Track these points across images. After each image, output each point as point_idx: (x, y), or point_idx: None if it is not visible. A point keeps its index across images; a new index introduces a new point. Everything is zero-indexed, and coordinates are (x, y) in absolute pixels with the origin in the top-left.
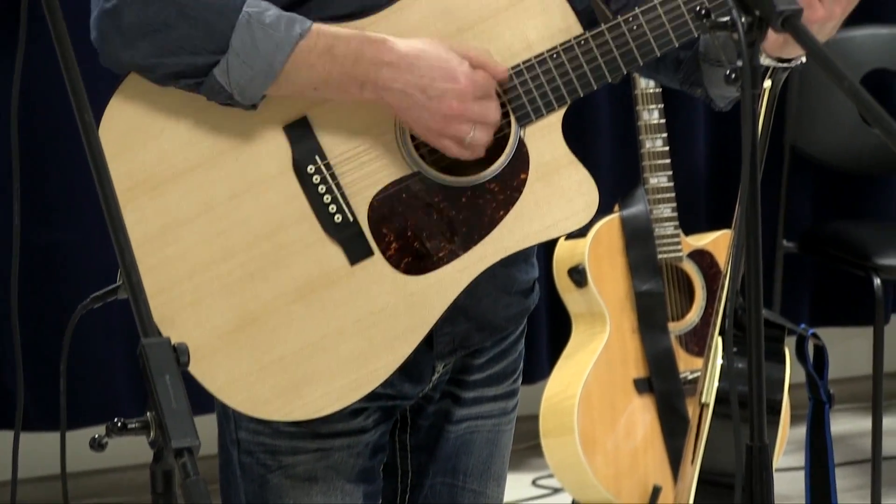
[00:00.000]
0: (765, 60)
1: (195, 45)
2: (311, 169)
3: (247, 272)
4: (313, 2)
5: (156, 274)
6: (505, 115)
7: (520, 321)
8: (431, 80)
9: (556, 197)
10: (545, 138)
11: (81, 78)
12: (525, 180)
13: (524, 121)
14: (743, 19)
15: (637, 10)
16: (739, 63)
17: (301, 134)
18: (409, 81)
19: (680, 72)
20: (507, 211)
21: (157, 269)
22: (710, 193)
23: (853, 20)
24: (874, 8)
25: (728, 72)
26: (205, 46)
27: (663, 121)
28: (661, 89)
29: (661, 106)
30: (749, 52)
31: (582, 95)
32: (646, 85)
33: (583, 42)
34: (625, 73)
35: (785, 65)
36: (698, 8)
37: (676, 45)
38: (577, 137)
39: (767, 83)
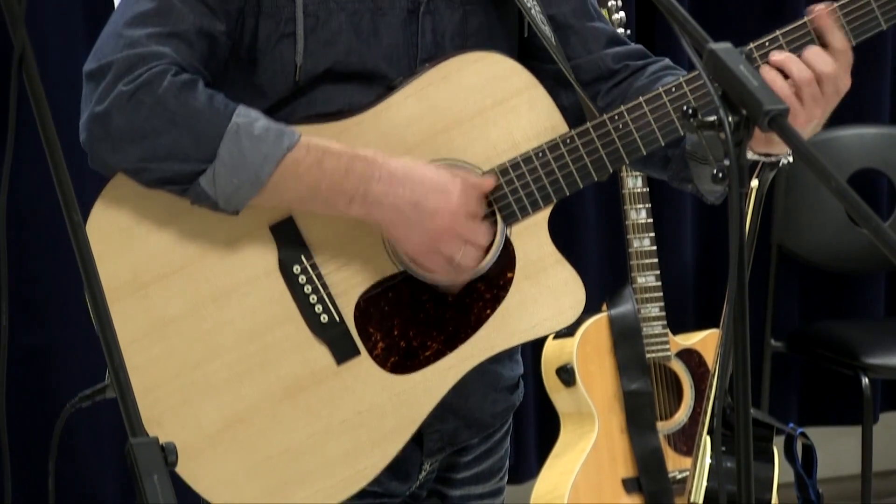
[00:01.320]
0: (751, 156)
1: (183, 152)
2: (297, 269)
3: (234, 372)
4: (301, 100)
5: (143, 374)
6: (491, 213)
7: (506, 417)
8: (424, 195)
9: (543, 296)
10: (531, 237)
11: (70, 177)
12: (512, 279)
13: (510, 220)
14: (730, 118)
15: (622, 108)
16: (726, 162)
17: (287, 234)
18: (400, 196)
19: (669, 169)
20: (493, 310)
21: (143, 370)
22: (698, 293)
23: (839, 120)
24: (861, 107)
25: (715, 171)
26: (192, 154)
27: (651, 220)
28: (648, 189)
29: (648, 205)
30: (736, 152)
31: (568, 194)
32: (633, 185)
33: (568, 141)
34: (611, 171)
35: (771, 159)
36: (685, 108)
37: (663, 144)
38: (565, 236)
39: (755, 182)
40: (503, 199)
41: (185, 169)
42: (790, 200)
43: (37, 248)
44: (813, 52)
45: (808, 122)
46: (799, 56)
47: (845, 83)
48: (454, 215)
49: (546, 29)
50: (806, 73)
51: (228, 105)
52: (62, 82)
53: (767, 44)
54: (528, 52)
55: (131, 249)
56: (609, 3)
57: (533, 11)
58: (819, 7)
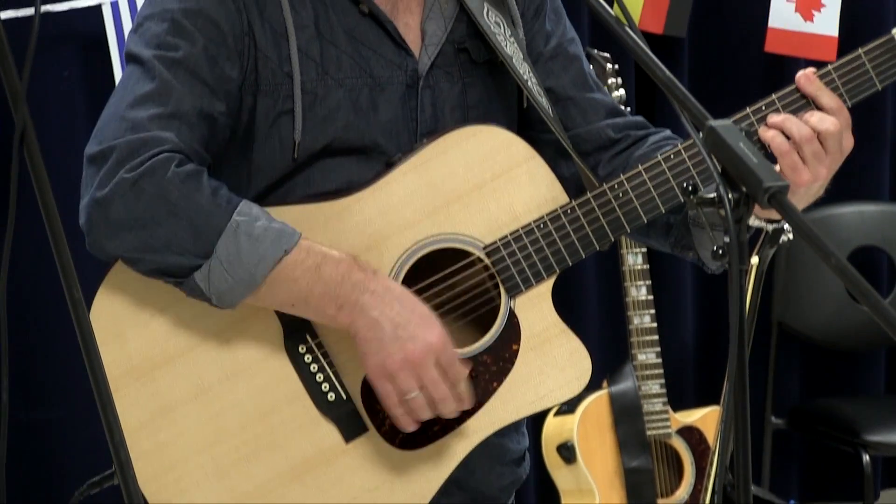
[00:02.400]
0: (754, 221)
1: (180, 245)
2: (302, 348)
3: (242, 454)
4: (299, 177)
5: (150, 459)
6: (495, 286)
7: (511, 491)
8: (408, 321)
9: (549, 367)
10: (535, 308)
11: (70, 253)
12: (517, 351)
13: (514, 291)
14: (730, 195)
15: (622, 177)
16: (726, 239)
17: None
18: (386, 313)
19: (670, 236)
20: (500, 382)
21: (150, 455)
22: (699, 369)
23: (839, 197)
24: (860, 184)
25: (715, 247)
26: (189, 248)
27: (651, 297)
28: (648, 266)
29: (648, 282)
30: (736, 229)
31: (571, 264)
32: (633, 262)
33: (569, 211)
34: (613, 240)
35: (775, 226)
36: (685, 184)
37: (663, 211)
38: (565, 313)
39: (755, 259)
40: (506, 270)
41: (181, 262)
42: (790, 277)
43: (37, 324)
44: (811, 112)
45: (813, 180)
46: (797, 116)
47: (849, 141)
48: (428, 352)
49: (543, 101)
50: (805, 131)
51: (231, 201)
52: (63, 159)
53: (764, 108)
54: (528, 124)
55: (136, 335)
56: (609, 81)
57: (529, 83)
58: (806, 71)
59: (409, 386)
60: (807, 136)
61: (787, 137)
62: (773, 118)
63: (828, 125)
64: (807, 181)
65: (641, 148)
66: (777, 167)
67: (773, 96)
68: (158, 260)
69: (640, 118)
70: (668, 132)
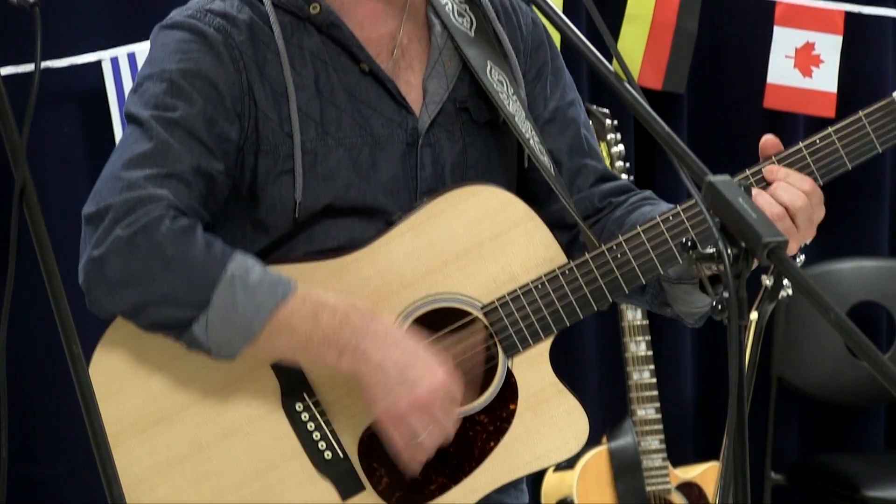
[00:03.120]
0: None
1: (177, 298)
2: (299, 406)
3: None
4: (301, 235)
5: None
6: (493, 345)
7: None
8: (412, 363)
9: (546, 427)
10: (533, 368)
11: (70, 309)
12: (514, 411)
13: (511, 351)
14: (729, 251)
15: (621, 238)
16: (726, 294)
17: (289, 371)
18: (389, 357)
19: (646, 293)
20: (497, 442)
21: None
22: (698, 425)
23: (839, 252)
24: (859, 240)
25: (714, 303)
26: (186, 301)
27: (650, 352)
28: (648, 321)
29: (647, 338)
30: (735, 284)
31: (568, 325)
32: (633, 317)
33: (567, 272)
34: (611, 301)
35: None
36: (684, 240)
37: (661, 272)
38: (564, 368)
39: (754, 315)
40: (504, 330)
41: (179, 315)
42: (790, 333)
43: (37, 380)
44: (781, 187)
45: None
46: (766, 190)
47: (819, 214)
48: (435, 392)
49: (545, 160)
50: (776, 209)
51: (225, 252)
52: (63, 216)
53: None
54: (529, 183)
55: (135, 391)
56: (608, 136)
57: (532, 143)
58: (769, 160)
59: (420, 426)
60: (778, 215)
61: None
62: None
63: (799, 201)
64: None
65: (619, 210)
66: None
67: (747, 171)
68: (156, 314)
69: (625, 182)
70: (647, 193)
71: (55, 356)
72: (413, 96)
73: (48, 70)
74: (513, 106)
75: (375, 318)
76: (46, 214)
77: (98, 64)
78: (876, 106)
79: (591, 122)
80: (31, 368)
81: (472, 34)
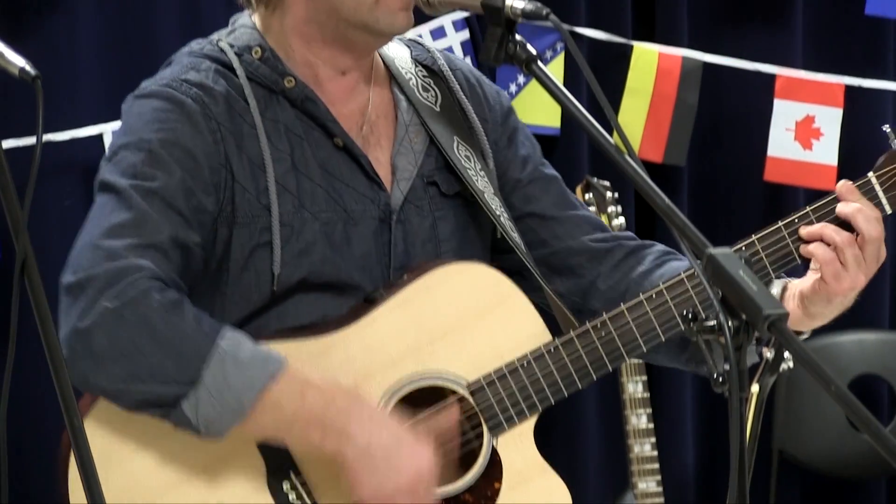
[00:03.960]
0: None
1: (166, 374)
2: (286, 486)
3: None
4: (273, 311)
5: None
6: (478, 424)
7: None
8: (398, 447)
9: None
10: (518, 446)
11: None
12: (499, 490)
13: (497, 430)
14: (730, 323)
15: (605, 316)
16: (727, 366)
17: (274, 450)
18: (374, 440)
19: (686, 351)
20: None
21: None
22: (700, 498)
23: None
24: (860, 313)
25: (715, 375)
26: (175, 377)
27: (651, 425)
28: (649, 394)
29: (649, 411)
30: (736, 357)
31: (553, 403)
32: (634, 390)
33: (553, 350)
34: (595, 379)
35: (802, 336)
36: (685, 312)
37: (645, 350)
38: (565, 440)
39: (755, 388)
40: (489, 409)
41: (167, 392)
42: (791, 406)
43: (37, 452)
44: (854, 212)
45: (852, 287)
46: (832, 221)
47: (884, 251)
48: (420, 477)
49: (516, 236)
50: (845, 235)
51: (214, 327)
52: None
53: (797, 220)
54: (506, 248)
55: (120, 472)
56: (609, 209)
57: (502, 219)
58: (846, 182)
59: None
60: (847, 240)
61: (827, 245)
62: (810, 229)
63: (872, 229)
64: (847, 289)
65: (643, 264)
66: (817, 276)
67: (808, 209)
68: (144, 390)
69: (627, 232)
70: (663, 247)
71: (56, 429)
72: (383, 172)
73: (50, 143)
74: (481, 182)
75: (361, 401)
76: (48, 287)
77: (99, 137)
78: (881, 160)
79: (591, 195)
80: (32, 441)
81: (438, 108)
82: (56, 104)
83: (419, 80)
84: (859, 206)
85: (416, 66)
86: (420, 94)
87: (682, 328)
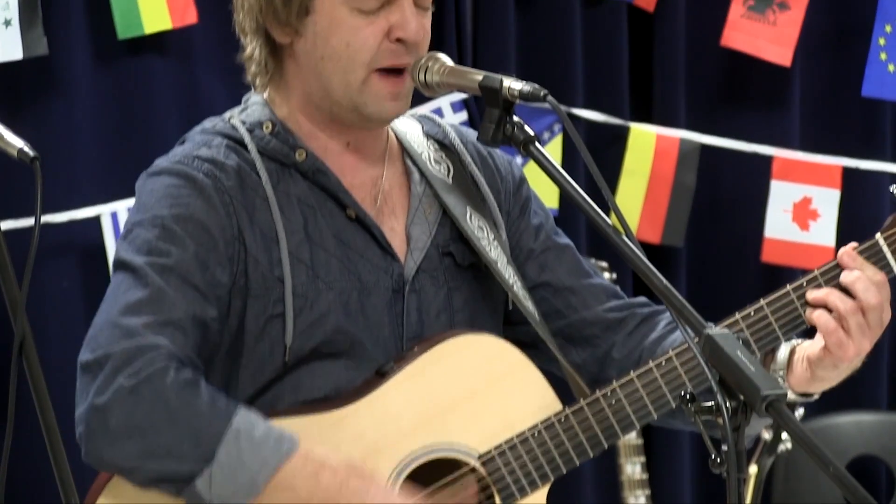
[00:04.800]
0: (791, 396)
1: (181, 451)
2: None
3: None
4: (286, 382)
5: None
6: (491, 494)
7: None
8: None
9: None
10: None
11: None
12: None
13: (509, 500)
14: (727, 404)
15: (615, 385)
16: (724, 447)
17: None
18: None
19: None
20: None
21: None
22: None
23: (837, 405)
24: (858, 393)
25: (713, 456)
26: (190, 454)
27: (646, 475)
28: (647, 475)
29: (647, 492)
30: (734, 437)
31: (565, 472)
32: (632, 471)
33: (563, 419)
34: (606, 447)
35: (807, 399)
36: (682, 392)
37: (655, 417)
38: (559, 490)
39: (753, 468)
40: (501, 480)
41: (181, 469)
42: (789, 486)
43: None
44: (853, 281)
45: (856, 354)
46: (838, 287)
47: (888, 314)
48: None
49: (529, 305)
50: (849, 303)
51: (230, 406)
52: (62, 369)
53: (805, 283)
54: (515, 324)
55: None
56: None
57: (515, 288)
58: (847, 248)
59: None
60: (851, 309)
61: (830, 311)
62: (815, 295)
63: (871, 297)
64: (852, 356)
65: (656, 330)
66: (822, 343)
67: (816, 272)
68: (158, 467)
69: (641, 297)
70: (661, 308)
71: None
72: (397, 242)
73: (48, 224)
74: (494, 252)
75: (374, 481)
76: (45, 368)
77: (97, 219)
78: (861, 248)
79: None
80: None
81: (450, 181)
82: (54, 186)
83: (431, 153)
84: (859, 273)
85: (428, 140)
86: (432, 167)
87: (672, 405)
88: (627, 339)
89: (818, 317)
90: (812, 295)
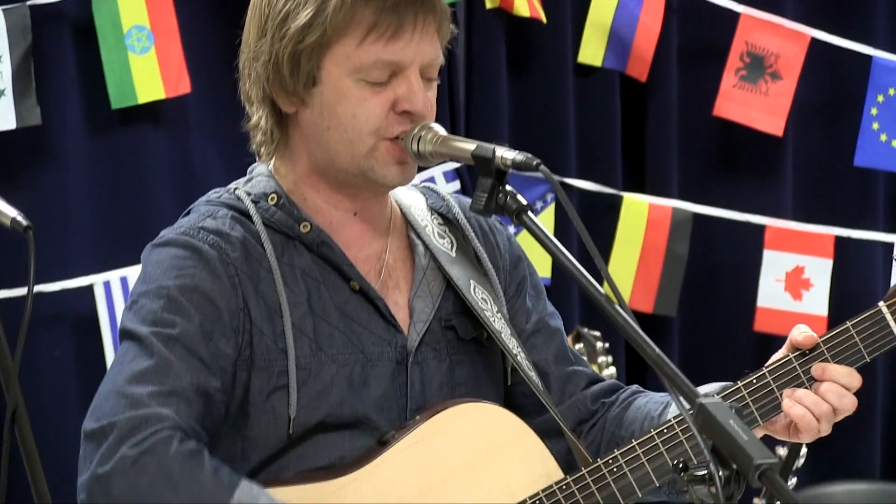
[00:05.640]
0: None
1: None
2: None
3: None
4: (292, 453)
5: None
6: None
7: None
8: None
9: None
10: None
11: None
12: None
13: None
14: (720, 473)
15: (616, 452)
16: None
17: None
18: None
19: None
20: None
21: None
22: None
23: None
24: (851, 463)
25: None
26: None
27: None
28: None
29: None
30: None
31: None
32: None
33: (564, 487)
34: None
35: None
36: (675, 461)
37: (657, 485)
38: None
39: None
40: None
41: None
42: None
43: None
44: (826, 391)
45: (819, 435)
46: (815, 390)
47: (854, 402)
48: None
49: (533, 375)
50: (824, 407)
51: (232, 478)
52: (55, 439)
53: (755, 380)
54: (514, 398)
55: None
56: (599, 360)
57: (519, 358)
58: (759, 372)
59: None
60: (826, 412)
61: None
62: (797, 394)
63: (846, 404)
64: (815, 437)
65: (613, 409)
66: (789, 420)
67: (794, 361)
68: None
69: (613, 382)
70: (635, 387)
71: None
72: (401, 315)
73: (41, 294)
74: (498, 323)
75: None
76: (38, 437)
77: (90, 288)
78: (863, 315)
79: (582, 346)
80: None
81: (454, 254)
82: (47, 255)
83: (435, 227)
84: (829, 384)
85: (432, 213)
86: (436, 241)
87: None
88: (592, 429)
89: (795, 414)
90: (788, 396)
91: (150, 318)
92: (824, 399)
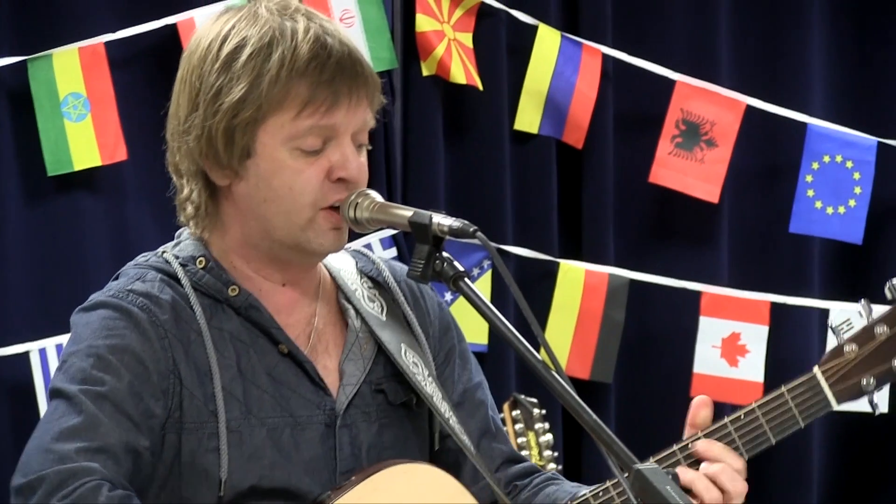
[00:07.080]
0: None
1: None
2: None
3: None
4: None
5: None
6: None
7: None
8: None
9: None
10: None
11: None
12: None
13: None
14: None
15: None
16: None
17: None
18: None
19: None
20: None
21: None
22: None
23: None
24: None
25: None
26: None
27: None
28: None
29: None
30: None
31: None
32: None
33: None
34: None
35: None
36: None
37: None
38: None
39: None
40: None
41: None
42: None
43: None
44: (717, 473)
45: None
46: (704, 471)
47: (745, 486)
48: None
49: (466, 439)
50: (714, 492)
51: None
52: None
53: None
54: (437, 464)
55: None
56: (536, 426)
57: (451, 422)
58: (695, 436)
59: None
60: (716, 498)
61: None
62: (684, 476)
63: (737, 486)
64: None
65: (523, 493)
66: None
67: (675, 447)
68: None
69: (530, 464)
70: (550, 473)
71: None
72: (330, 379)
73: None
74: (430, 387)
75: None
76: None
77: (26, 355)
78: (798, 381)
79: (519, 412)
80: None
81: (384, 318)
82: None
83: (365, 290)
84: (722, 465)
85: (362, 277)
86: (366, 304)
87: None
88: (522, 501)
89: (698, 488)
90: (684, 476)
91: (80, 376)
92: (717, 481)
